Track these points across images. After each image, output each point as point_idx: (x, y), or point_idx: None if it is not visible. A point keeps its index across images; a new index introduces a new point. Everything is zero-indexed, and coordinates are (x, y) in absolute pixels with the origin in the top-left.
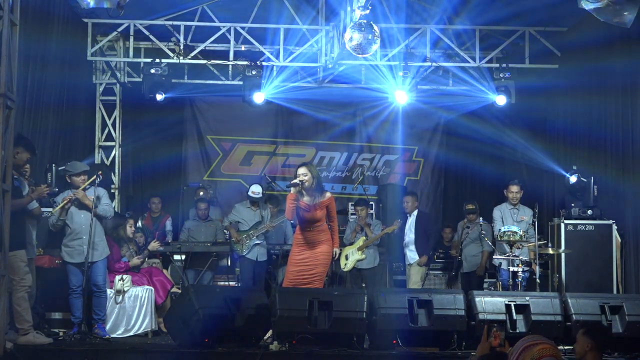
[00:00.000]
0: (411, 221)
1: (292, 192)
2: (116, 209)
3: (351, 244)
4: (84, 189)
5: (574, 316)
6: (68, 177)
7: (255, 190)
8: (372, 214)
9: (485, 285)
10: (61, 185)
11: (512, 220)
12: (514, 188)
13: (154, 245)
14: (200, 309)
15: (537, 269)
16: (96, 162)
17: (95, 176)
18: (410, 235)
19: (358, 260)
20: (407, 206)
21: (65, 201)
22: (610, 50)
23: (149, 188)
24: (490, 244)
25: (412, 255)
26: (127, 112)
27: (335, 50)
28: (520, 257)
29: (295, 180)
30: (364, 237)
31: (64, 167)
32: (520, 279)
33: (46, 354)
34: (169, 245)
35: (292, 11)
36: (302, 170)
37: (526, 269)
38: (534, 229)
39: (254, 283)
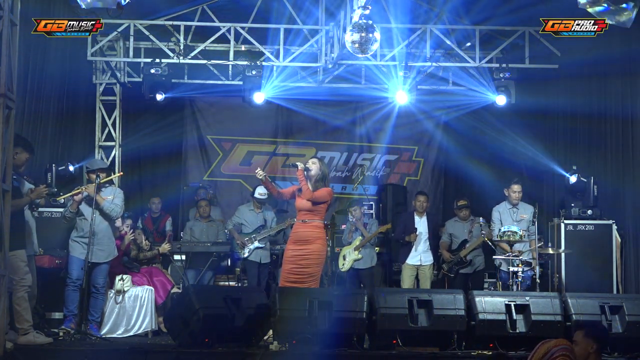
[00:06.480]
0: (424, 221)
1: (299, 167)
2: None
3: (349, 244)
4: (100, 186)
5: (574, 316)
6: (86, 173)
7: (262, 191)
8: (371, 213)
9: (485, 285)
10: (61, 185)
11: (511, 220)
12: (517, 187)
13: (165, 247)
14: (200, 309)
15: (537, 269)
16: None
17: (113, 174)
18: (425, 236)
19: (355, 260)
20: (423, 206)
21: (75, 191)
22: (610, 50)
23: (149, 188)
24: (488, 240)
25: (427, 257)
26: (127, 112)
27: (335, 50)
28: (521, 258)
29: (299, 163)
30: (361, 237)
31: (84, 164)
32: (520, 279)
33: (46, 354)
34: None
35: (292, 11)
36: (313, 160)
37: (526, 268)
38: (535, 228)
39: (259, 285)
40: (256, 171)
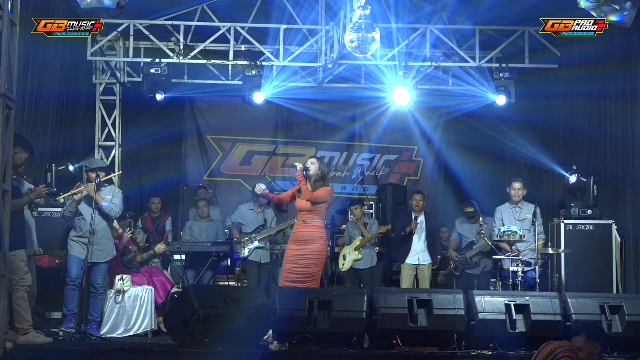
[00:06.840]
0: (422, 221)
1: (298, 168)
2: None
3: (349, 244)
4: (100, 185)
5: (574, 316)
6: (85, 172)
7: (263, 187)
8: (371, 213)
9: None
10: (61, 185)
11: (514, 219)
12: (517, 185)
13: (161, 247)
14: (200, 309)
15: (538, 269)
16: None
17: (113, 174)
18: (423, 236)
19: (355, 261)
20: (420, 205)
21: (75, 190)
22: (610, 50)
23: (149, 188)
24: (490, 243)
25: (425, 257)
26: (127, 112)
27: (335, 50)
28: (521, 258)
29: (297, 163)
30: (361, 237)
31: (84, 163)
32: (520, 279)
33: (46, 354)
34: (169, 245)
35: (292, 11)
36: (312, 160)
37: (527, 269)
38: (537, 227)
39: (259, 286)
40: (256, 189)
